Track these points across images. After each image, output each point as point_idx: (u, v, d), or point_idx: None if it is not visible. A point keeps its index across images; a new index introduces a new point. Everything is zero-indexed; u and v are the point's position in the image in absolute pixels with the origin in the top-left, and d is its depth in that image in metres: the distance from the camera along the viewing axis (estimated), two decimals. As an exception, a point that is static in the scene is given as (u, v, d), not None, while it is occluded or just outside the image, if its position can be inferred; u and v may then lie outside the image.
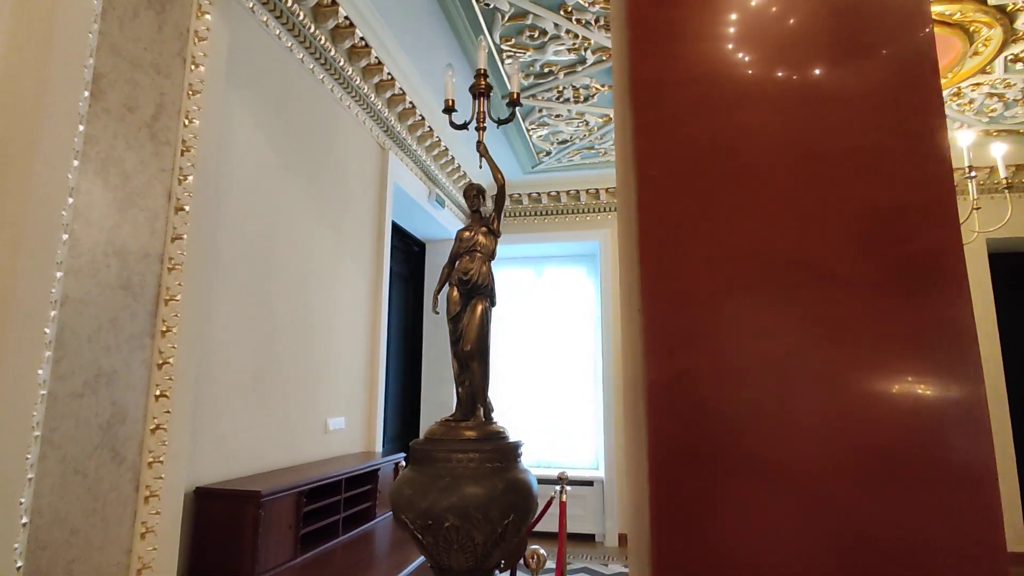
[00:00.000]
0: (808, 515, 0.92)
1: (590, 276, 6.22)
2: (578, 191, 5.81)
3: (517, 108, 1.59)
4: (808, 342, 0.95)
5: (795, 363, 0.95)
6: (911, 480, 0.92)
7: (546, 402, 6.11)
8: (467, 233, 1.61)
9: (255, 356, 2.66)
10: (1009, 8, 3.09)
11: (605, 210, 5.84)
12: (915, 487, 0.91)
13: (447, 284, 1.61)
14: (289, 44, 2.95)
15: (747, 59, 1.07)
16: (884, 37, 1.05)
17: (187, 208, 2.05)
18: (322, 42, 3.13)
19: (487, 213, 1.66)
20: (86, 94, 1.69)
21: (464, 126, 1.62)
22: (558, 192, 5.84)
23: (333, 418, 3.33)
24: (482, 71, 1.58)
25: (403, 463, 3.75)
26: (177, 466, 1.97)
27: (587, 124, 4.65)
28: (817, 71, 1.04)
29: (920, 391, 0.92)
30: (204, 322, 2.30)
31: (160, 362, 1.95)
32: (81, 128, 1.67)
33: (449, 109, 1.62)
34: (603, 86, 4.04)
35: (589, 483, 5.54)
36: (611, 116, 4.49)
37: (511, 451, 1.42)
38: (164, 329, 1.97)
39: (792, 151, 1.00)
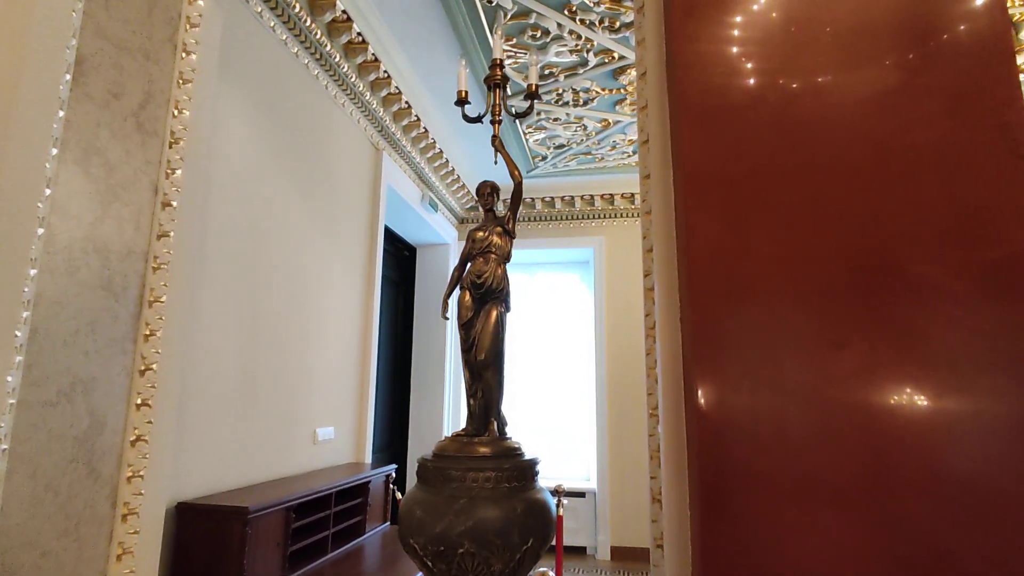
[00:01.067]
0: (884, 541, 0.83)
1: (584, 283, 6.14)
2: (573, 197, 5.73)
3: (534, 101, 1.49)
4: (885, 356, 0.85)
5: (870, 379, 0.86)
6: (997, 502, 0.82)
7: (538, 411, 6.00)
8: (480, 233, 1.50)
9: (242, 362, 2.52)
10: (1016, 19, 3.07)
11: (600, 217, 5.77)
12: (1003, 509, 0.82)
13: (458, 287, 1.50)
14: (284, 37, 2.83)
15: (812, 43, 0.98)
16: (957, 24, 0.96)
17: (174, 204, 1.92)
18: (317, 36, 3.01)
19: (502, 212, 1.56)
20: (67, 77, 1.56)
21: (478, 119, 1.52)
22: (552, 198, 5.76)
23: (322, 428, 3.19)
24: (498, 61, 1.48)
25: (393, 475, 3.61)
26: (158, 480, 1.83)
27: (585, 129, 4.57)
28: (889, 59, 0.95)
29: (1008, 409, 0.83)
30: (190, 326, 2.17)
31: (142, 368, 1.81)
32: (61, 114, 1.54)
33: (462, 101, 1.51)
34: (603, 89, 3.97)
35: (581, 494, 5.43)
36: (610, 121, 4.42)
37: (529, 469, 1.31)
38: (147, 333, 1.83)
39: (865, 145, 0.91)
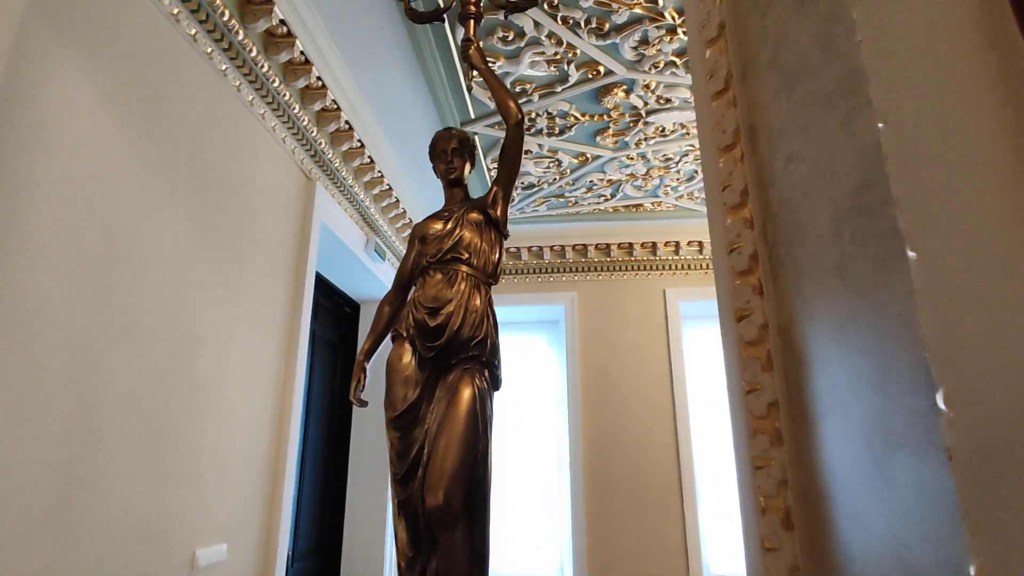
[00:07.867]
0: None
1: (552, 347, 5.38)
2: (541, 248, 5.07)
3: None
4: None
5: None
6: None
7: (499, 495, 5.07)
8: (437, 224, 0.75)
9: (66, 458, 1.62)
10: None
11: (572, 270, 5.09)
12: None
13: (390, 336, 0.73)
14: (175, 11, 2.10)
15: None
16: None
17: (-99, 197, 1.10)
18: (224, 18, 2.29)
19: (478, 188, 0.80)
20: None
21: (437, 15, 0.79)
22: (518, 248, 5.08)
23: (207, 548, 2.25)
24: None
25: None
26: None
27: (559, 165, 3.95)
28: None
29: None
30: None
31: None
32: None
33: (406, -13, 0.80)
34: (583, 115, 3.37)
35: (554, 601, 4.48)
36: (588, 156, 3.82)
37: None
38: None
39: None
